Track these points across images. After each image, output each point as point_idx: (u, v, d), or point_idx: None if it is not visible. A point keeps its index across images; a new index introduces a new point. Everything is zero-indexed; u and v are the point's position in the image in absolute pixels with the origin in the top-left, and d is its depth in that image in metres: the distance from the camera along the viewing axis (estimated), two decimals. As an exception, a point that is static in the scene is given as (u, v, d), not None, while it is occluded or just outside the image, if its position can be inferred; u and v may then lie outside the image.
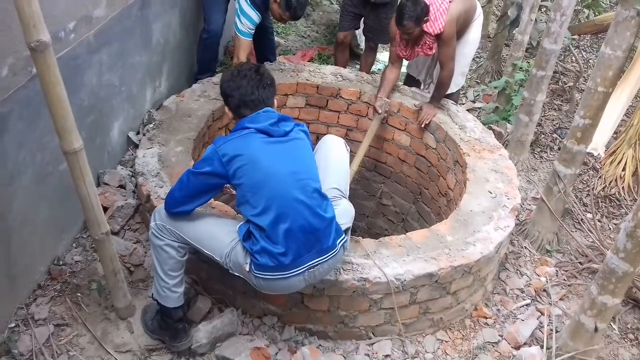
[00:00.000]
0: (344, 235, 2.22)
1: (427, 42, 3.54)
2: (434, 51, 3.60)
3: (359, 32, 5.50)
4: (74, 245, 2.64)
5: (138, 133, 3.21)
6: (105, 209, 2.71)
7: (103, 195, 2.73)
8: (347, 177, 2.54)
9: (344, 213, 2.32)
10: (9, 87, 1.95)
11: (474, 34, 3.90)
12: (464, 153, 3.31)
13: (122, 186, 2.87)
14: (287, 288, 2.18)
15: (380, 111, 3.69)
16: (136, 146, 3.06)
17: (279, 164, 2.07)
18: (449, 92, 3.98)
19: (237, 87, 2.13)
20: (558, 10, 3.63)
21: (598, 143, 2.88)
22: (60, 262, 2.53)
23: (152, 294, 2.27)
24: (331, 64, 5.02)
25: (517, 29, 4.71)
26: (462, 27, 3.66)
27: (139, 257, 2.60)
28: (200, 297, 2.49)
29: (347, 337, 2.53)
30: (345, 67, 4.60)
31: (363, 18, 4.87)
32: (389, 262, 2.44)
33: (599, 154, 2.80)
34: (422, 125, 3.62)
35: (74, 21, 2.32)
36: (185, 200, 2.11)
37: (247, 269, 2.10)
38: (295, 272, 2.09)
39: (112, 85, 2.82)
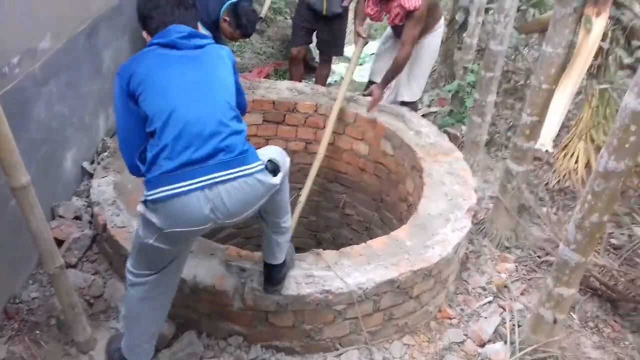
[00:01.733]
0: (261, 161, 1.95)
1: (399, 13, 3.61)
2: (397, 22, 3.66)
3: (313, 46, 5.57)
4: (30, 281, 2.59)
5: (92, 162, 3.17)
6: (61, 242, 2.68)
7: (58, 228, 2.69)
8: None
9: (274, 151, 2.09)
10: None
11: (433, 44, 3.97)
12: (420, 158, 3.37)
13: (78, 217, 2.83)
14: (189, 216, 1.85)
15: (364, 35, 3.80)
16: (91, 176, 3.03)
17: (180, 77, 1.89)
18: (408, 100, 4.07)
19: (155, 7, 1.98)
20: (501, 12, 3.75)
21: (546, 139, 2.97)
22: (17, 300, 2.48)
23: None
24: (288, 79, 5.07)
25: (465, 32, 4.83)
26: (424, 25, 3.72)
27: (98, 288, 2.57)
28: (164, 323, 2.47)
29: (314, 351, 2.54)
30: (300, 81, 4.66)
31: (315, 32, 4.93)
32: (350, 271, 2.47)
33: (546, 150, 2.89)
34: (369, 111, 3.78)
35: (17, 55, 2.31)
36: (126, 141, 1.97)
37: (142, 210, 1.89)
38: (189, 184, 1.82)
39: (63, 116, 2.80)
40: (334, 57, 5.19)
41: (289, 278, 2.39)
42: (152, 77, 1.88)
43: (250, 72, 5.46)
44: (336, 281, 2.42)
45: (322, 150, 3.65)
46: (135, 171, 2.03)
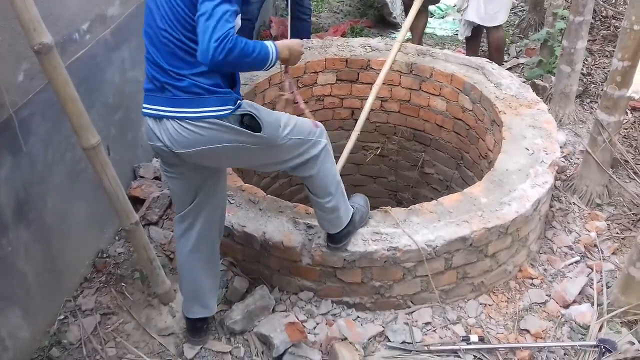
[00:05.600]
0: (217, 108, 1.82)
1: None
2: None
3: (391, 0, 5.40)
4: (116, 237, 2.76)
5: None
6: (142, 201, 2.82)
7: (139, 187, 2.84)
8: None
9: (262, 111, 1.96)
10: (27, 91, 2.05)
11: None
12: (500, 111, 3.18)
13: (157, 178, 2.96)
14: (146, 127, 1.93)
15: None
16: (169, 138, 3.14)
17: None
18: (494, 25, 4.25)
19: None
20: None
21: (640, 85, 2.70)
22: (104, 254, 2.66)
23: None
24: (364, 37, 4.95)
25: (555, -25, 4.45)
26: None
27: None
28: (237, 278, 2.54)
29: (385, 307, 2.52)
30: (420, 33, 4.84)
31: None
32: (419, 229, 2.40)
33: (640, 97, 2.63)
34: None
35: (87, 22, 2.40)
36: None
37: None
38: (147, 109, 1.88)
39: (137, 81, 2.90)
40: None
41: (356, 234, 2.36)
42: None
43: (326, 31, 5.39)
44: (404, 238, 2.36)
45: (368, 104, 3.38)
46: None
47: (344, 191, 2.26)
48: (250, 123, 1.88)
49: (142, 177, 2.94)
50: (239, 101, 1.88)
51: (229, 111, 1.83)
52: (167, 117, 1.83)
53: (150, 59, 1.87)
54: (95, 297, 2.47)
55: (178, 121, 1.82)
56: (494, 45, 4.46)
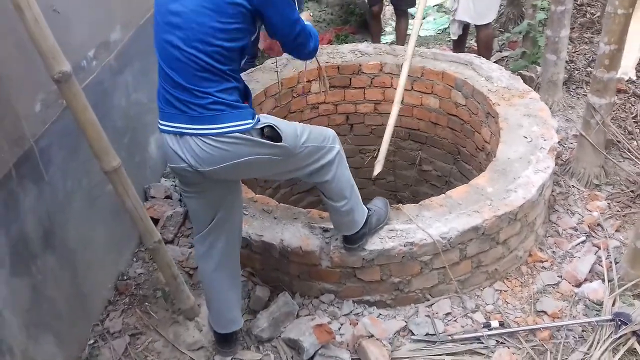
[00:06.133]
0: (240, 122, 1.87)
1: None
2: None
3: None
4: (134, 259, 2.80)
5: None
6: (156, 221, 2.86)
7: (152, 208, 2.88)
8: None
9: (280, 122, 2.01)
10: (44, 121, 2.10)
11: None
12: (493, 103, 3.27)
13: (168, 197, 3.01)
14: (167, 150, 1.96)
15: None
16: (175, 157, 3.19)
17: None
18: (483, 23, 4.37)
19: None
20: (566, -60, 3.53)
21: (628, 67, 2.79)
22: (125, 276, 2.69)
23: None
24: (350, 43, 5.04)
25: (530, -32, 4.59)
26: None
27: (195, 260, 2.73)
28: (258, 287, 2.59)
29: (405, 303, 2.58)
30: (379, 36, 5.08)
31: None
32: (432, 222, 2.47)
33: (629, 77, 2.72)
34: None
35: (93, 49, 2.46)
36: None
37: None
38: (166, 126, 1.92)
39: (141, 102, 2.96)
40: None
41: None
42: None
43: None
44: (419, 233, 2.43)
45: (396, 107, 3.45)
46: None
47: (359, 194, 2.33)
48: (271, 134, 1.93)
49: (153, 197, 2.98)
50: (255, 115, 1.94)
51: (250, 125, 1.88)
52: (190, 134, 1.87)
53: (167, 78, 1.90)
54: (121, 319, 2.51)
55: (202, 138, 1.86)
56: (483, 42, 4.57)
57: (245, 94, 2.00)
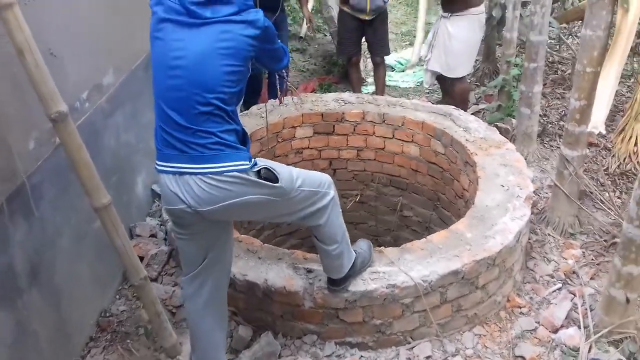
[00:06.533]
0: (238, 163, 1.94)
1: None
2: None
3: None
4: (117, 296, 2.79)
5: (160, 185, 3.39)
6: (141, 259, 2.86)
7: (137, 246, 2.89)
8: None
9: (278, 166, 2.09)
10: (37, 158, 2.15)
11: (463, 28, 4.37)
12: (471, 153, 3.41)
13: (153, 235, 3.04)
14: (165, 191, 1.99)
15: None
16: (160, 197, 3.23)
17: (169, 50, 1.91)
18: (455, 77, 4.62)
19: None
20: (537, 3, 3.76)
21: (597, 121, 2.95)
22: (107, 313, 2.69)
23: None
24: (332, 92, 5.21)
25: (504, 27, 4.84)
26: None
27: (179, 299, 2.74)
28: (240, 326, 2.60)
29: (386, 345, 2.61)
30: (360, 85, 5.26)
31: (364, 37, 5.13)
32: (413, 265, 2.53)
33: (599, 132, 2.88)
34: None
35: (86, 91, 2.53)
36: None
37: None
38: (165, 166, 1.96)
39: (130, 144, 3.02)
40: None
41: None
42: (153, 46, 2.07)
43: (296, 89, 5.64)
44: (400, 275, 2.49)
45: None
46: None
47: (349, 239, 2.40)
48: (268, 175, 2.01)
49: (138, 235, 3.00)
50: (252, 158, 2.02)
51: (248, 166, 1.96)
52: (190, 174, 1.91)
53: (168, 119, 1.94)
54: (102, 355, 2.49)
55: (201, 177, 1.90)
56: (457, 96, 4.75)
57: (243, 139, 2.08)
